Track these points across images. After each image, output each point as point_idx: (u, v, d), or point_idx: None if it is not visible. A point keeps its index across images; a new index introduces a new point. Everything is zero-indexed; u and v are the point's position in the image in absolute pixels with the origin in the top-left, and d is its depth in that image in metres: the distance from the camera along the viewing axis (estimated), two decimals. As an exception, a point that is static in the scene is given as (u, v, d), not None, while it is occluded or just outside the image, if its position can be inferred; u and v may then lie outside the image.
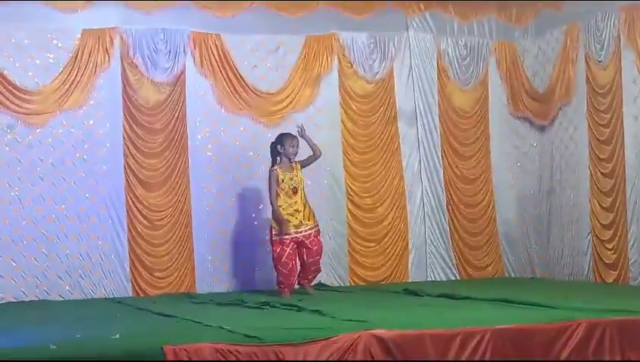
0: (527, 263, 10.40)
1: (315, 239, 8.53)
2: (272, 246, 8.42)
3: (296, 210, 8.43)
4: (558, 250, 9.93)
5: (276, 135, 8.72)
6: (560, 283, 9.42)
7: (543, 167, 10.26)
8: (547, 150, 10.18)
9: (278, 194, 8.39)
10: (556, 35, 9.95)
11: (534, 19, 10.30)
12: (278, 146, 8.51)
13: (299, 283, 8.67)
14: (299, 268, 8.58)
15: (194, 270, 9.24)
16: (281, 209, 8.35)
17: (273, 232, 8.40)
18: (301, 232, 8.42)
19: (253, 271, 9.49)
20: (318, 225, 8.62)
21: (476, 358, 5.59)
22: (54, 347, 5.16)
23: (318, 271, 8.75)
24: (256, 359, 5.21)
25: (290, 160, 8.50)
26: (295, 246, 8.43)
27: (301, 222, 8.43)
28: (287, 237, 8.33)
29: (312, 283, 8.78)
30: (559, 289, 8.70)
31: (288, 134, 8.61)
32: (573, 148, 9.76)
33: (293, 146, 8.49)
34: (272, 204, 8.43)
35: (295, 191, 8.45)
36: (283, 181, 8.40)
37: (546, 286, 9.10)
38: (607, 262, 9.19)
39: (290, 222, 8.35)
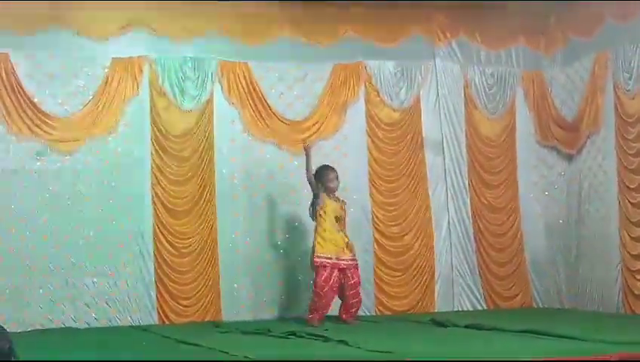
0: (555, 293, 10.28)
1: (355, 271, 8.68)
2: (316, 270, 8.51)
3: (341, 238, 8.63)
4: (587, 280, 9.81)
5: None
6: (589, 315, 9.31)
7: (571, 196, 10.17)
8: (575, 179, 10.10)
9: (321, 216, 8.58)
10: (584, 64, 9.91)
11: (562, 48, 10.27)
12: (319, 182, 8.69)
13: (342, 319, 8.70)
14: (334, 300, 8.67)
15: (220, 298, 9.21)
16: (325, 233, 8.54)
17: (316, 254, 8.52)
18: (343, 260, 8.57)
19: (280, 299, 9.45)
20: (356, 259, 8.72)
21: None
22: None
23: (359, 303, 8.85)
24: (282, 390, 5.20)
25: (333, 193, 8.69)
26: (338, 274, 8.53)
27: (343, 250, 8.58)
28: (329, 260, 8.49)
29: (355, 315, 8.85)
30: (588, 320, 8.61)
31: (328, 168, 8.77)
32: (602, 178, 9.68)
33: (332, 180, 8.73)
34: (309, 179, 8.69)
35: (337, 219, 8.63)
36: (327, 206, 8.61)
37: (574, 318, 9.01)
38: (637, 293, 9.07)
39: (332, 245, 8.54)
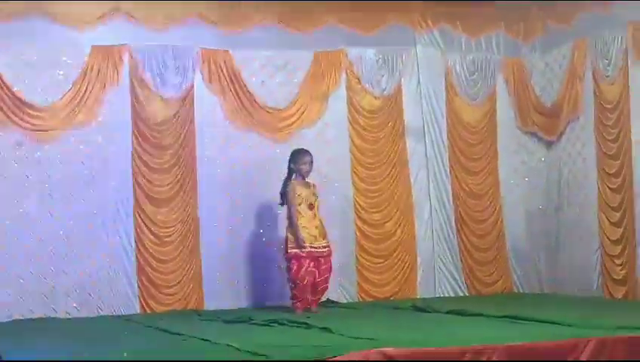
0: (535, 279, 10.36)
1: (327, 259, 8.58)
2: (290, 260, 8.47)
3: (315, 226, 8.51)
4: (567, 265, 9.90)
5: (290, 151, 8.82)
6: (569, 299, 9.37)
7: (551, 182, 10.24)
8: (555, 165, 10.17)
9: (297, 210, 8.48)
10: (563, 50, 9.97)
11: (542, 35, 10.31)
12: (291, 164, 8.58)
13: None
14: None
15: (202, 286, 9.23)
16: (299, 222, 8.43)
17: (289, 245, 8.45)
18: (316, 248, 8.47)
19: (262, 287, 9.46)
20: (329, 246, 8.65)
21: (485, 376, 5.58)
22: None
23: (326, 290, 8.76)
24: (264, 377, 5.21)
25: (303, 178, 8.56)
26: (313, 262, 8.46)
27: (316, 238, 8.49)
28: (304, 250, 8.38)
29: (319, 302, 8.75)
30: (568, 305, 8.66)
31: (301, 151, 8.67)
32: (581, 164, 9.75)
33: (305, 164, 8.58)
34: (289, 218, 8.50)
35: (311, 207, 8.53)
36: (300, 195, 8.50)
37: (554, 303, 9.07)
38: (615, 277, 9.16)
39: (306, 233, 8.43)
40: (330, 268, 8.66)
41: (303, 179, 8.65)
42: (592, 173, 9.50)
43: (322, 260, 8.53)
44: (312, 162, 8.67)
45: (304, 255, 8.42)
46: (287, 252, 8.49)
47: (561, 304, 8.83)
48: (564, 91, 9.88)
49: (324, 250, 8.54)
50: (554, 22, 10.05)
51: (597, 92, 9.39)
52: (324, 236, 8.60)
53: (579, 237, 9.72)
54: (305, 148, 8.83)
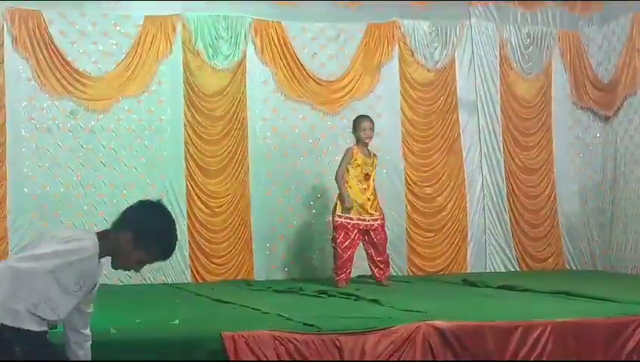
0: (588, 256, 10.23)
1: (380, 230, 8.39)
2: (335, 229, 8.28)
3: (367, 198, 8.31)
4: (621, 242, 9.75)
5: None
6: (622, 277, 9.26)
7: (606, 158, 10.07)
8: (611, 141, 9.99)
9: (348, 172, 8.28)
10: (622, 24, 9.78)
11: (599, 7, 10.12)
12: (353, 131, 8.46)
13: (376, 280, 8.48)
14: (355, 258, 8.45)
15: (252, 257, 9.25)
16: (350, 191, 8.24)
17: (337, 213, 8.27)
18: (365, 220, 8.29)
19: (312, 259, 9.48)
20: (383, 217, 8.51)
21: (537, 351, 5.53)
22: (115, 331, 5.22)
23: (387, 261, 8.56)
24: (314, 347, 5.23)
25: (365, 145, 8.39)
26: (359, 235, 8.32)
27: (367, 210, 8.30)
28: (349, 221, 8.23)
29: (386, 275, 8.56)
30: (621, 282, 8.56)
31: (359, 117, 8.52)
32: (638, 140, 9.57)
33: (363, 130, 8.35)
34: (337, 179, 8.31)
35: (367, 177, 8.35)
36: (356, 161, 8.29)
37: (607, 280, 8.96)
38: (671, 255, 9.03)
39: (355, 204, 8.22)
40: (385, 237, 8.47)
41: (365, 146, 8.43)
42: (649, 150, 9.34)
43: (372, 233, 8.34)
44: (371, 128, 8.42)
45: (350, 226, 8.25)
46: (333, 220, 8.35)
47: (615, 281, 8.74)
48: (622, 65, 9.70)
49: (373, 222, 8.33)
50: (612, -6, 9.87)
51: (655, 66, 9.22)
52: (375, 208, 8.40)
53: (634, 215, 9.56)
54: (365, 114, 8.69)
